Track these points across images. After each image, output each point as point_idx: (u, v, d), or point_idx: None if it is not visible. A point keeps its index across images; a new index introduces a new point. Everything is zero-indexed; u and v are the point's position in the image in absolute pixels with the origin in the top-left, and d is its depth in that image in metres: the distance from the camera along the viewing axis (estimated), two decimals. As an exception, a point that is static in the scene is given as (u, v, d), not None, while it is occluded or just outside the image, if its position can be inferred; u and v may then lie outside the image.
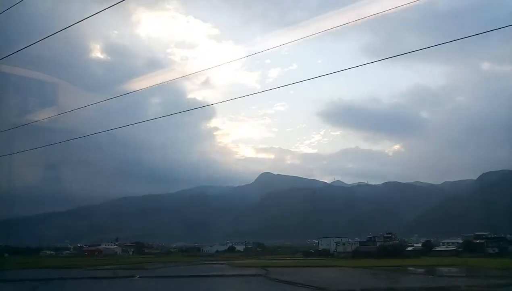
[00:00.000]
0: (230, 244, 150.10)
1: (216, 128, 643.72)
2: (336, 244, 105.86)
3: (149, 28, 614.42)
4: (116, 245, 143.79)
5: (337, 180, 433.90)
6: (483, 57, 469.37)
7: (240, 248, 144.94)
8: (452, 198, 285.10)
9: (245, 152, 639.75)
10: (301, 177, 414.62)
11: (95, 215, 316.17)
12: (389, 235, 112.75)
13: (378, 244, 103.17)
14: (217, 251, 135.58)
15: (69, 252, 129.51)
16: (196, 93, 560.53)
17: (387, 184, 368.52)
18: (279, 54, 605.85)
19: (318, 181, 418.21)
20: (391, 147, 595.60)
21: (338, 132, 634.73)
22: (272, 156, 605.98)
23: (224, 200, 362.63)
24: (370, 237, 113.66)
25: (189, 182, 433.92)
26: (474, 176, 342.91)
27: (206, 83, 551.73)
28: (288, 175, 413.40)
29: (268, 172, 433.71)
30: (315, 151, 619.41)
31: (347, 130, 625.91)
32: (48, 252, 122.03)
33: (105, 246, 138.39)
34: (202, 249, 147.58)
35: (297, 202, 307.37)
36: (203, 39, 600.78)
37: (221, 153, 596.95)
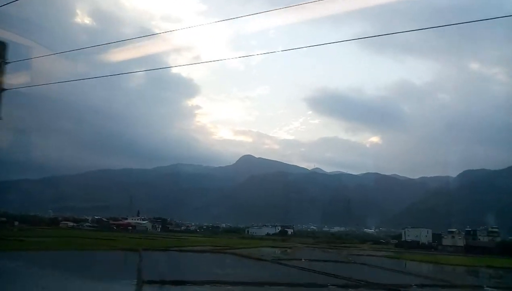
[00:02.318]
0: (279, 227, 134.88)
1: (197, 107, 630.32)
2: (442, 236, 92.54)
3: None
4: (147, 220, 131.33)
5: (317, 168, 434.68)
6: (472, 58, 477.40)
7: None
8: (436, 193, 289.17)
9: (224, 133, 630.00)
10: (283, 161, 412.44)
11: (69, 184, 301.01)
12: (495, 229, 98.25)
13: (481, 238, 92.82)
14: (268, 234, 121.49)
15: (89, 224, 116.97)
16: (181, 69, 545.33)
17: (367, 175, 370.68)
18: (266, 36, 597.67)
19: (299, 166, 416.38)
20: (370, 139, 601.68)
21: (317, 121, 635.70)
22: (251, 139, 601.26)
23: (205, 180, 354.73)
24: (469, 230, 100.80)
25: (167, 159, 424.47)
26: (452, 173, 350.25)
27: (190, 59, 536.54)
28: (270, 159, 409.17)
29: (250, 155, 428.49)
30: (294, 137, 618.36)
31: (327, 119, 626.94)
32: (70, 224, 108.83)
33: (136, 221, 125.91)
34: (247, 230, 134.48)
35: (282, 186, 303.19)
36: (189, 14, 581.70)
37: (200, 132, 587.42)
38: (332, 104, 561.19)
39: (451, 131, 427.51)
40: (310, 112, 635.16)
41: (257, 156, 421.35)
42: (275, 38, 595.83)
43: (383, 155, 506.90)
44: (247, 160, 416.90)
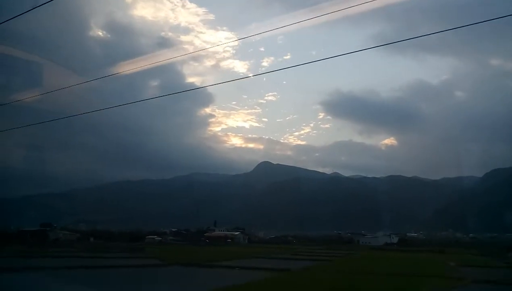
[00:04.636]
0: (393, 235, 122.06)
1: (211, 116, 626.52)
2: None
3: (143, 9, 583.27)
4: (239, 231, 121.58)
5: (335, 172, 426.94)
6: (494, 52, 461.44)
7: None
8: (465, 194, 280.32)
9: (236, 141, 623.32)
10: (300, 167, 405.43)
11: (90, 197, 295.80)
12: None
13: None
14: (386, 244, 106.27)
15: (172, 238, 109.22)
16: (195, 78, 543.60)
17: (390, 177, 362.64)
18: (274, 43, 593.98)
19: (318, 171, 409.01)
20: (386, 141, 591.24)
21: (328, 125, 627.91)
22: (264, 146, 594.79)
23: (224, 188, 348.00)
24: None
25: (183, 168, 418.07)
26: (476, 173, 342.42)
27: (201, 68, 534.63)
28: (288, 165, 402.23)
29: (267, 161, 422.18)
30: (306, 142, 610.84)
31: (340, 122, 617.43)
32: (157, 238, 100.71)
33: (231, 233, 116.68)
34: (358, 240, 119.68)
35: (306, 192, 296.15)
36: (197, 24, 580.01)
37: (213, 141, 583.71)
38: (345, 107, 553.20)
39: (472, 130, 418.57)
40: (321, 116, 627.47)
41: (274, 163, 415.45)
42: (283, 44, 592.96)
43: (400, 157, 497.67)
44: (264, 167, 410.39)
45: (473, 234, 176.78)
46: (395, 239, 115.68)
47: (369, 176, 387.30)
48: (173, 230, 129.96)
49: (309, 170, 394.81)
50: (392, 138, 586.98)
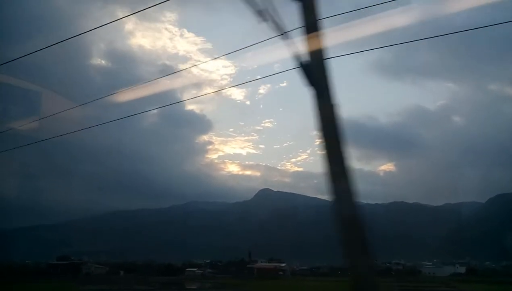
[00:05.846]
0: (457, 264, 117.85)
1: (209, 143, 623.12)
2: None
3: (141, 39, 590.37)
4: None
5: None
6: (494, 78, 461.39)
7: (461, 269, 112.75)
8: (471, 221, 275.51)
9: (233, 168, 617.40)
10: (302, 194, 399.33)
11: (85, 228, 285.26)
12: None
13: None
14: (453, 274, 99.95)
15: (210, 271, 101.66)
16: (194, 106, 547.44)
17: (393, 204, 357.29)
18: (271, 71, 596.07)
19: (321, 198, 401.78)
20: (384, 167, 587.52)
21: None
22: (262, 173, 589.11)
23: (225, 216, 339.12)
24: None
25: (181, 196, 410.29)
26: (478, 198, 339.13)
27: (199, 95, 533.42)
28: (288, 191, 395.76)
29: (268, 188, 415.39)
30: (304, 169, 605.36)
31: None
32: (198, 271, 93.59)
33: (279, 264, 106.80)
34: (420, 271, 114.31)
35: (314, 219, 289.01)
36: (195, 52, 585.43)
37: (211, 168, 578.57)
38: (343, 133, 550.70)
39: (472, 155, 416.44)
40: (318, 142, 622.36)
41: (274, 190, 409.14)
42: (280, 70, 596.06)
43: (400, 183, 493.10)
44: (265, 194, 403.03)
45: (488, 262, 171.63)
46: (461, 269, 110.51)
47: (370, 202, 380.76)
48: (207, 261, 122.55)
49: (309, 196, 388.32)
50: (391, 164, 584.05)
